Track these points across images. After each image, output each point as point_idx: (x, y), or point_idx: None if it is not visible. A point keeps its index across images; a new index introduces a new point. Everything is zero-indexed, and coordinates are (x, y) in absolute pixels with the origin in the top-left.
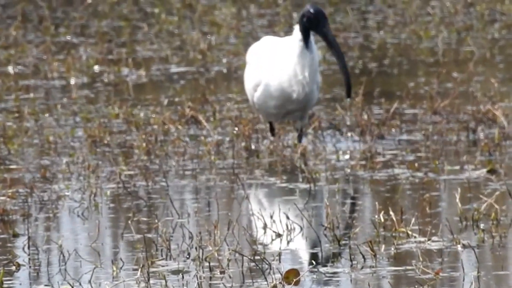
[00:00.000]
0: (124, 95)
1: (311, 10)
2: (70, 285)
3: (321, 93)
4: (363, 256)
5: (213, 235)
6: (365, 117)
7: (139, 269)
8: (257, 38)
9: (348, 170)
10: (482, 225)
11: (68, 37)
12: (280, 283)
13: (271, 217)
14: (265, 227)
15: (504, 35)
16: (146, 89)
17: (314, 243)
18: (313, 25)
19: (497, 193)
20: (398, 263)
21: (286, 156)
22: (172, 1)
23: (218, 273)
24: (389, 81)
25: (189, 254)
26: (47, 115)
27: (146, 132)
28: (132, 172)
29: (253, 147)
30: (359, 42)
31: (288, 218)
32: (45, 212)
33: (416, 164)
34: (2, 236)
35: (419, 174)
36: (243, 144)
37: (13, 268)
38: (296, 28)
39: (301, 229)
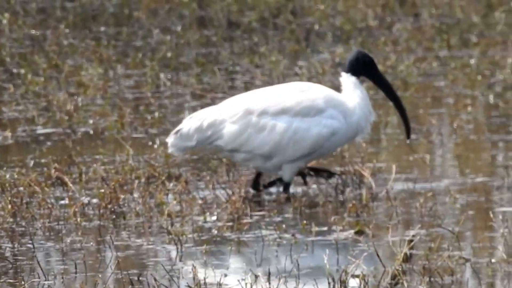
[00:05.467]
0: None
1: (364, 54)
2: None
3: (187, 154)
4: None
5: None
6: (231, 177)
7: None
8: (124, 99)
9: (215, 232)
10: (350, 286)
11: None
12: None
13: (139, 278)
14: None
15: (372, 95)
16: (11, 151)
17: None
18: (367, 69)
19: (365, 254)
20: None
21: (152, 217)
22: (38, 61)
23: None
24: None
25: None
26: None
27: (12, 194)
28: None
29: (120, 208)
30: None
31: (155, 279)
32: None
33: (283, 225)
34: None
35: (287, 236)
36: (109, 205)
37: None
38: (346, 75)
39: None
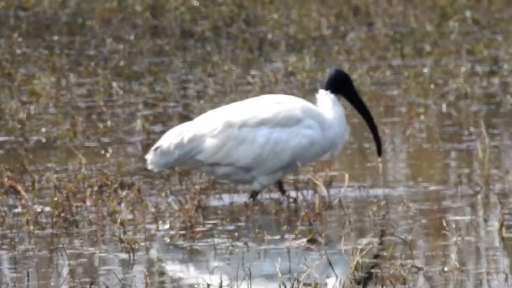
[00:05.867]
0: None
1: (342, 73)
2: None
3: (140, 163)
4: None
5: None
6: (186, 186)
7: None
8: (76, 108)
9: (168, 240)
10: None
11: None
12: None
13: (91, 286)
14: None
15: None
16: None
17: None
18: (344, 87)
19: (317, 262)
20: None
21: (105, 226)
22: None
23: None
24: None
25: None
26: None
27: None
28: None
29: (73, 216)
30: (178, 111)
31: None
32: None
33: (236, 234)
34: None
35: (239, 244)
36: (62, 214)
37: None
38: (324, 92)
39: None
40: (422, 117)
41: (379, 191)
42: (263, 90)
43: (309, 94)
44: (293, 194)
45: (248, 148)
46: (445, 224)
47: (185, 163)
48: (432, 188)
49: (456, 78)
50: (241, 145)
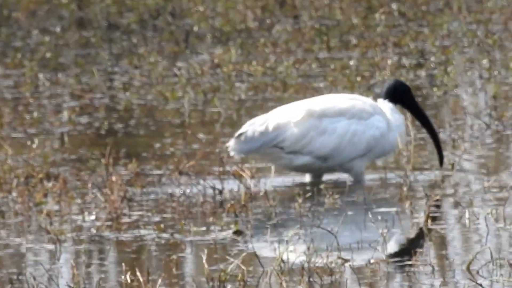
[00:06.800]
0: None
1: (402, 84)
2: None
3: (66, 154)
4: None
5: None
6: (112, 178)
7: None
8: (2, 99)
9: (94, 231)
10: (229, 286)
11: None
12: None
13: (18, 277)
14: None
15: (251, 96)
16: None
17: None
18: (404, 97)
19: (244, 254)
20: None
21: (31, 217)
22: None
23: None
24: (135, 142)
25: None
26: None
27: None
28: None
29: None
30: (105, 103)
31: (34, 279)
32: None
33: (162, 225)
34: None
35: (165, 235)
36: None
37: None
38: (383, 101)
39: None
40: None
41: (305, 183)
42: (189, 83)
43: (235, 86)
44: (218, 185)
45: (328, 138)
46: (371, 215)
47: (265, 151)
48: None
49: (382, 71)
50: (322, 135)
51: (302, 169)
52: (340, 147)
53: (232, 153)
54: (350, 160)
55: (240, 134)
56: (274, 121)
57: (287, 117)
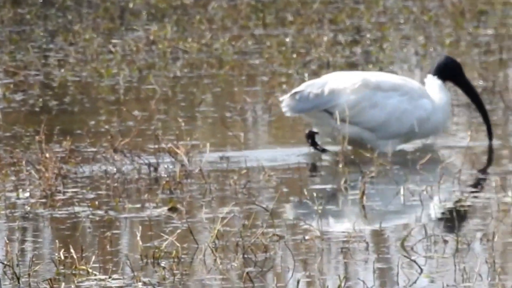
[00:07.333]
0: None
1: (453, 61)
2: None
3: (0, 131)
4: None
5: None
6: (47, 155)
7: None
8: None
9: (28, 208)
10: (163, 263)
11: None
12: None
13: None
14: None
15: (186, 73)
16: None
17: None
18: (454, 74)
19: (178, 231)
20: None
21: None
22: None
23: None
24: (70, 119)
25: None
26: None
27: None
28: None
29: None
30: (39, 80)
31: None
32: None
33: (96, 202)
34: None
35: (100, 212)
36: None
37: None
38: (432, 77)
39: None
40: (284, 86)
41: (241, 160)
42: (124, 59)
43: (170, 63)
44: (154, 162)
45: (379, 112)
46: (306, 193)
47: (315, 114)
48: (293, 157)
49: (318, 48)
50: (374, 108)
51: (349, 139)
52: (388, 123)
53: (284, 110)
54: (395, 135)
55: (296, 93)
56: (330, 85)
57: (343, 84)
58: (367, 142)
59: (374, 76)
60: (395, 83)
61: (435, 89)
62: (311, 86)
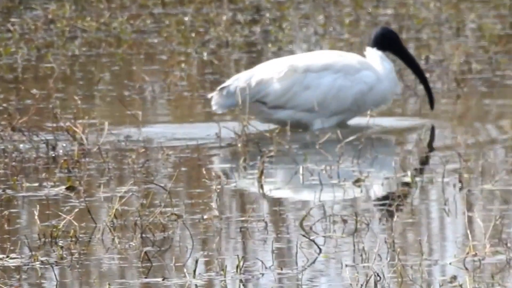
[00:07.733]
0: None
1: (390, 31)
2: None
3: None
4: None
5: None
6: None
7: None
8: None
9: None
10: (61, 242)
11: None
12: None
13: None
14: None
15: (85, 52)
16: None
17: None
18: (392, 44)
19: (76, 210)
20: None
21: None
22: None
23: None
24: None
25: None
26: None
27: None
28: None
29: None
30: None
31: None
32: None
33: None
34: None
35: None
36: None
37: None
38: (371, 49)
39: None
40: (183, 65)
41: (139, 139)
42: (22, 38)
43: (69, 41)
44: (52, 141)
45: (312, 93)
46: (205, 172)
47: (246, 106)
48: (192, 136)
49: (217, 27)
50: (306, 90)
51: (284, 123)
52: (325, 102)
53: (214, 108)
54: (336, 113)
55: (222, 88)
56: (257, 76)
57: (270, 72)
58: (307, 123)
59: (303, 59)
60: (326, 62)
61: (376, 60)
62: (237, 80)
